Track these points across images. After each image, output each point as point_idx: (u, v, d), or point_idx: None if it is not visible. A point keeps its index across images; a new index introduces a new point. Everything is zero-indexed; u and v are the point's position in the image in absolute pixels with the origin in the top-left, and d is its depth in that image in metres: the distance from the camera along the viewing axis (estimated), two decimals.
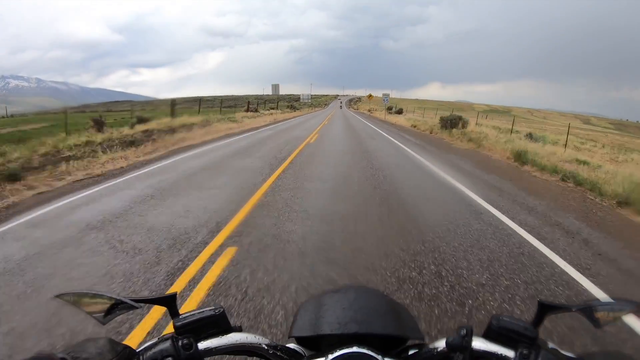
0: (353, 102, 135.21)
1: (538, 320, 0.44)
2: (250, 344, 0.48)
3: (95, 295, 0.46)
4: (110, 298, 0.45)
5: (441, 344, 0.46)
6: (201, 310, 0.47)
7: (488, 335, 0.45)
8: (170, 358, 0.42)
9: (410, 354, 0.50)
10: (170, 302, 0.47)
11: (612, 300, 0.43)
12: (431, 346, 0.48)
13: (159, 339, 0.45)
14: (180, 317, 0.47)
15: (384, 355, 0.45)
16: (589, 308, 0.43)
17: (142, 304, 0.46)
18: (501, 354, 0.43)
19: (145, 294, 2.44)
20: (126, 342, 0.98)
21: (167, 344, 0.44)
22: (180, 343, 0.44)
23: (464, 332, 0.44)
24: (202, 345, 0.46)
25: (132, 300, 0.45)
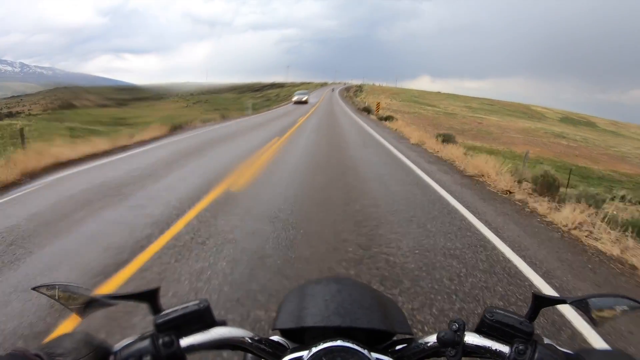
0: (352, 92, 61.62)
1: (533, 313, 0.43)
2: (234, 338, 0.47)
3: (71, 289, 0.44)
4: (85, 295, 0.44)
5: (432, 339, 0.45)
6: (185, 305, 0.46)
7: (481, 330, 0.43)
8: (149, 356, 0.41)
9: (398, 349, 0.48)
10: (151, 297, 0.45)
11: (611, 295, 0.42)
12: (421, 341, 0.46)
13: (138, 336, 0.43)
14: (162, 313, 0.45)
15: (370, 350, 0.44)
16: (584, 302, 0.42)
17: (117, 301, 0.44)
18: (495, 349, 0.42)
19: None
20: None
21: (147, 342, 0.42)
22: (160, 341, 0.42)
23: (455, 326, 0.42)
24: (185, 341, 0.44)
25: (108, 297, 0.44)
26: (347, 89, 72.93)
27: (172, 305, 0.45)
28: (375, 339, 0.48)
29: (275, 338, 0.51)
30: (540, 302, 0.43)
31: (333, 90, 75.56)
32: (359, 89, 66.36)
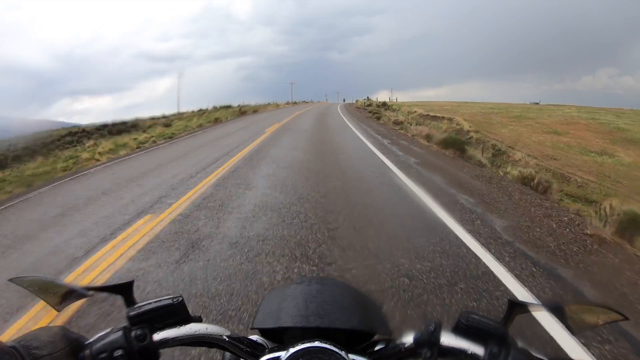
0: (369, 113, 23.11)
1: (507, 318, 0.43)
2: (210, 335, 0.46)
3: (47, 282, 0.45)
4: (62, 286, 0.44)
5: (409, 339, 0.44)
6: (158, 299, 0.45)
7: (457, 331, 0.43)
8: (120, 350, 0.40)
9: (376, 350, 0.48)
10: (126, 290, 0.45)
11: (590, 303, 0.41)
12: (398, 342, 0.46)
13: (111, 329, 0.43)
14: (136, 306, 0.44)
15: (347, 351, 0.43)
16: (562, 308, 0.41)
17: (94, 292, 0.44)
18: (470, 352, 0.41)
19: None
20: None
21: (119, 334, 0.41)
22: (133, 334, 0.42)
23: (432, 327, 0.42)
24: (158, 336, 0.43)
25: (84, 288, 0.44)
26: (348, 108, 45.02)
27: (146, 299, 0.45)
28: (355, 340, 0.48)
29: (254, 337, 0.51)
30: (515, 308, 0.42)
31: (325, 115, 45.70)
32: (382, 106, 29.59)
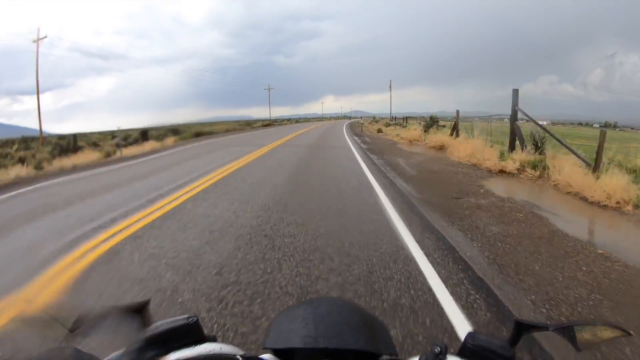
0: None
1: (514, 339, 0.43)
2: (225, 354, 0.47)
3: (61, 307, 0.46)
4: (76, 310, 0.44)
5: None
6: (174, 319, 0.46)
7: (463, 354, 0.44)
8: None
9: None
10: (141, 310, 0.46)
11: (594, 322, 0.43)
12: None
13: (125, 350, 0.43)
14: (151, 327, 0.45)
15: None
16: (568, 328, 0.42)
17: (108, 314, 0.44)
18: None
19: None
20: None
21: (134, 355, 0.42)
22: (148, 355, 0.42)
23: (438, 349, 0.43)
24: (173, 356, 0.44)
25: (98, 311, 0.44)
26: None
27: (162, 319, 0.46)
28: None
29: (266, 356, 0.51)
30: (522, 328, 0.43)
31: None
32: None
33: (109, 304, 0.45)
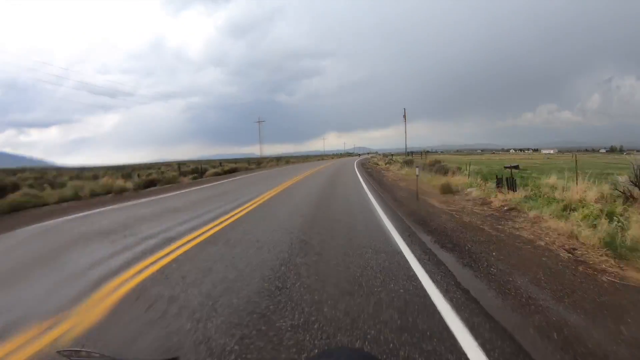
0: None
1: None
2: None
3: (91, 355, 0.49)
4: (105, 357, 0.48)
5: None
6: None
7: None
8: None
9: None
10: None
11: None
12: None
13: None
14: None
15: None
16: None
17: None
18: None
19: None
20: None
21: None
22: None
23: None
24: None
25: None
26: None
27: None
28: None
29: None
30: None
31: None
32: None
33: (140, 357, 0.67)
